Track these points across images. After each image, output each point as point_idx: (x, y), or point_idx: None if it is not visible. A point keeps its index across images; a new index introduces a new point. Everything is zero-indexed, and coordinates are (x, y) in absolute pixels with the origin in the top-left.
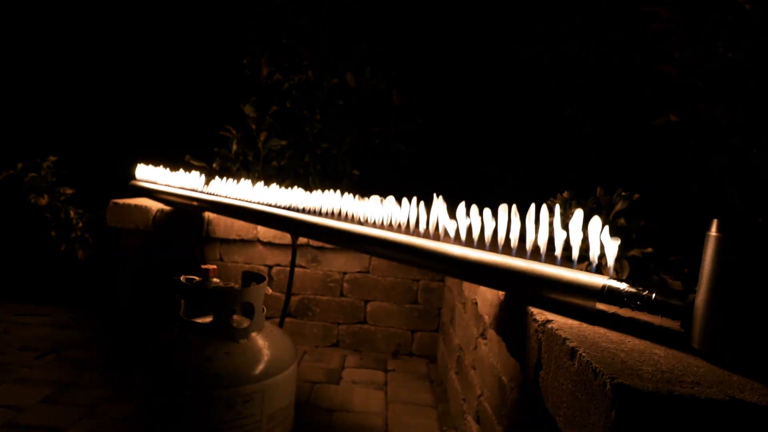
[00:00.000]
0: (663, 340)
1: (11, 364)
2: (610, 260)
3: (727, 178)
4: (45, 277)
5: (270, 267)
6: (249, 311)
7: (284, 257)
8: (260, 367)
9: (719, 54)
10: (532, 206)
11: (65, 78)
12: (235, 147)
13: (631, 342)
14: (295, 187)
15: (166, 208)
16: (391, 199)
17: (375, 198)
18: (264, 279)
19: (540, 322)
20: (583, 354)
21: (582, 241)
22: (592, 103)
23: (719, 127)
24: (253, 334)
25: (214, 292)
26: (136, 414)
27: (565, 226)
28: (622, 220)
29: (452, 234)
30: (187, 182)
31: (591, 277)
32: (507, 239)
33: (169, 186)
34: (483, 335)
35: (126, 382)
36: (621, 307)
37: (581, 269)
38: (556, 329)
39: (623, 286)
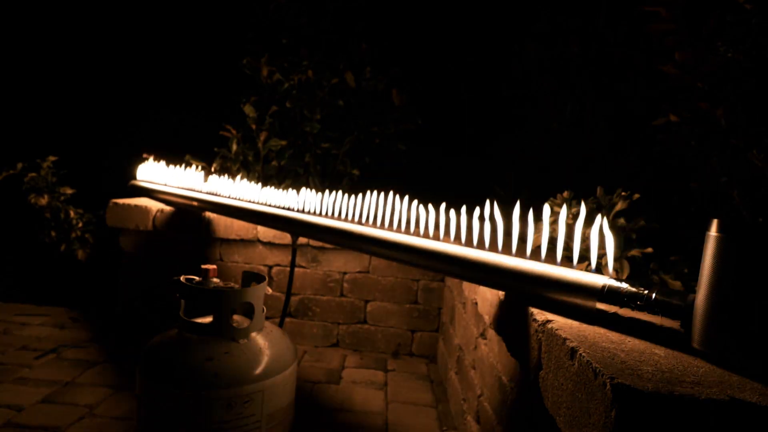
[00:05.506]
0: (663, 340)
1: (11, 364)
2: (610, 260)
3: (727, 178)
4: (45, 277)
5: (270, 267)
6: (249, 311)
7: (284, 257)
8: (260, 367)
9: (719, 54)
10: (531, 210)
11: (65, 78)
12: (235, 147)
13: (631, 342)
14: (298, 188)
15: (166, 208)
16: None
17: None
18: (264, 279)
19: (540, 322)
20: (583, 354)
21: (582, 241)
22: (592, 103)
23: (719, 127)
24: (253, 334)
25: (214, 292)
26: (136, 414)
27: (565, 226)
28: (622, 220)
29: (452, 232)
30: (187, 182)
31: (591, 277)
32: (507, 239)
33: (169, 186)
34: (483, 335)
35: (126, 382)
36: (621, 307)
37: (581, 269)
38: (556, 329)
39: (623, 285)
